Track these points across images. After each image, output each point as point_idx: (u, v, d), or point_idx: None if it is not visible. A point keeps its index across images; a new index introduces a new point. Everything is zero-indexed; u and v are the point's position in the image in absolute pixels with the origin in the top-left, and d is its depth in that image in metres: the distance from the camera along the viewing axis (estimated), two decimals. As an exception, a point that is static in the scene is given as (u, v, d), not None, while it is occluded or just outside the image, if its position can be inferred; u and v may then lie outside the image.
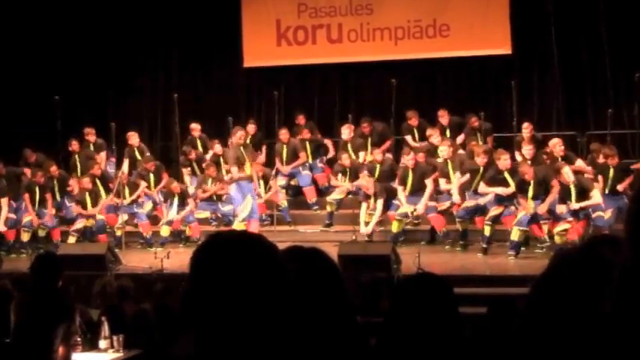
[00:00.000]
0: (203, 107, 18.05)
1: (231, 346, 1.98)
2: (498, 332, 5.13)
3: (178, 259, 13.50)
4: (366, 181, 14.90)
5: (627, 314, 1.68)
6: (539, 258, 13.08)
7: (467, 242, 14.34)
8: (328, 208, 15.98)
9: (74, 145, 16.96)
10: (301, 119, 17.44)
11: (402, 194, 14.72)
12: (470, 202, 14.25)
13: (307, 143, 16.87)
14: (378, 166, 15.33)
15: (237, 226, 14.63)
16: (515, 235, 13.29)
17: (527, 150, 14.34)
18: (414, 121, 16.57)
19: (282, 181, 16.63)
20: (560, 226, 13.19)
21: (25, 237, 15.67)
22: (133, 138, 17.09)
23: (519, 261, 13.22)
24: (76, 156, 16.99)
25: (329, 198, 16.01)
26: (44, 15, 18.70)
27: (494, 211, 13.71)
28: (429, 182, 14.63)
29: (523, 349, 1.92)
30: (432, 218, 14.71)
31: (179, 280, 10.92)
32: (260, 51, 18.87)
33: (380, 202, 14.73)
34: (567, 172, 13.31)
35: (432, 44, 18.14)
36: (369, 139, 16.58)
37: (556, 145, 14.50)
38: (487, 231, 13.71)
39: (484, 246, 13.75)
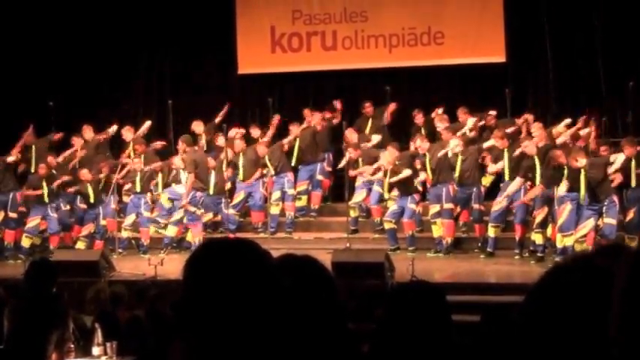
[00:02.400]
0: (197, 113, 18.02)
1: (225, 353, 1.98)
2: (492, 340, 5.14)
3: (172, 266, 13.49)
4: (386, 159, 14.89)
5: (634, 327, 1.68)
6: (534, 266, 13.09)
7: (492, 252, 14.21)
8: (352, 214, 15.79)
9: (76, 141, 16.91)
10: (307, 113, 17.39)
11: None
12: (502, 203, 14.09)
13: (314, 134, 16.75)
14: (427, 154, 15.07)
15: (170, 229, 15.24)
16: (560, 242, 13.12)
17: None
18: (419, 119, 16.54)
19: (293, 190, 16.50)
20: (580, 232, 12.97)
21: (27, 243, 15.60)
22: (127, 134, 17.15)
23: (513, 269, 13.23)
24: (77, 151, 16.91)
25: (351, 202, 15.79)
26: (37, 21, 18.69)
27: (540, 215, 13.54)
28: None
29: (517, 357, 1.92)
30: (445, 224, 14.53)
31: (173, 286, 10.91)
32: (254, 58, 18.88)
33: (407, 171, 14.68)
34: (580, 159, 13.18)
35: (427, 52, 18.17)
36: (370, 120, 16.69)
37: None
38: (539, 239, 13.51)
39: (540, 255, 13.51)
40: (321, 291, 2.61)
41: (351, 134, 16.23)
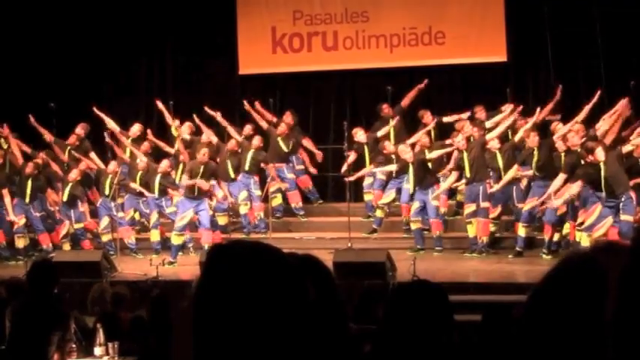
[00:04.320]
0: (199, 114, 18.02)
1: (237, 352, 1.97)
2: (493, 339, 5.14)
3: (174, 266, 13.50)
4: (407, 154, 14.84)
5: (627, 324, 1.68)
6: (536, 264, 13.08)
7: (521, 251, 14.13)
8: (378, 214, 15.79)
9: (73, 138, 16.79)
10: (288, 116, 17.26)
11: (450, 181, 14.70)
12: (533, 202, 13.94)
13: (279, 139, 16.62)
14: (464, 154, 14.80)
15: (175, 238, 14.78)
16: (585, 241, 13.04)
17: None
18: (427, 119, 16.33)
19: (258, 191, 16.40)
20: (599, 232, 12.89)
21: (20, 243, 15.55)
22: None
23: (515, 268, 13.22)
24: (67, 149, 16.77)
25: (380, 202, 15.75)
26: (39, 21, 18.69)
27: (583, 216, 13.30)
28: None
29: (520, 356, 1.92)
30: (481, 223, 14.36)
31: (175, 287, 10.93)
32: (255, 58, 18.86)
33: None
34: (599, 152, 12.98)
35: (428, 52, 18.15)
36: (390, 121, 16.53)
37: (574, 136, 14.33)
38: (583, 240, 13.11)
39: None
40: (321, 291, 2.61)
41: (358, 135, 16.20)
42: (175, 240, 14.79)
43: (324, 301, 2.58)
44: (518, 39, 17.49)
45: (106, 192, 15.58)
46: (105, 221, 15.64)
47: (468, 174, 14.50)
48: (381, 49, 18.39)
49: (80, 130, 16.88)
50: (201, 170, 14.93)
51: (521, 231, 14.10)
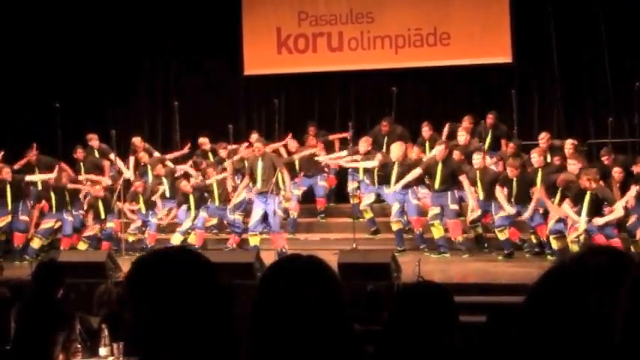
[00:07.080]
0: (203, 115, 18.06)
1: None
2: (497, 341, 5.14)
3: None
4: (396, 154, 14.70)
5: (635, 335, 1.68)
6: (540, 267, 13.07)
7: (509, 253, 14.13)
8: (366, 215, 15.68)
9: (79, 153, 16.79)
10: (311, 130, 17.11)
11: (471, 198, 14.44)
12: (507, 211, 13.98)
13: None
14: (439, 164, 14.63)
15: (252, 238, 14.71)
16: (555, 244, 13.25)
17: (537, 159, 14.12)
18: (426, 133, 16.22)
19: (298, 190, 16.36)
20: (573, 234, 12.99)
21: (36, 244, 15.56)
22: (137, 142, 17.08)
23: (519, 269, 13.20)
24: (81, 163, 16.81)
25: (362, 206, 15.70)
26: (44, 22, 18.73)
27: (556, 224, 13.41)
28: (536, 190, 14.03)
29: (520, 357, 1.92)
30: (451, 224, 14.40)
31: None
32: (260, 59, 18.89)
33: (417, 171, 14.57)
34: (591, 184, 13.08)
35: (433, 53, 18.17)
36: (386, 139, 16.38)
37: (566, 145, 14.40)
38: (555, 244, 13.37)
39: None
40: (325, 292, 2.61)
41: (363, 143, 16.12)
42: (253, 241, 14.83)
43: (328, 302, 2.59)
44: (523, 40, 17.50)
45: (143, 210, 15.82)
46: (137, 223, 15.78)
47: (436, 185, 14.50)
48: (386, 49, 18.41)
49: (94, 141, 17.03)
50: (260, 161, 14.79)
51: (501, 235, 14.13)
